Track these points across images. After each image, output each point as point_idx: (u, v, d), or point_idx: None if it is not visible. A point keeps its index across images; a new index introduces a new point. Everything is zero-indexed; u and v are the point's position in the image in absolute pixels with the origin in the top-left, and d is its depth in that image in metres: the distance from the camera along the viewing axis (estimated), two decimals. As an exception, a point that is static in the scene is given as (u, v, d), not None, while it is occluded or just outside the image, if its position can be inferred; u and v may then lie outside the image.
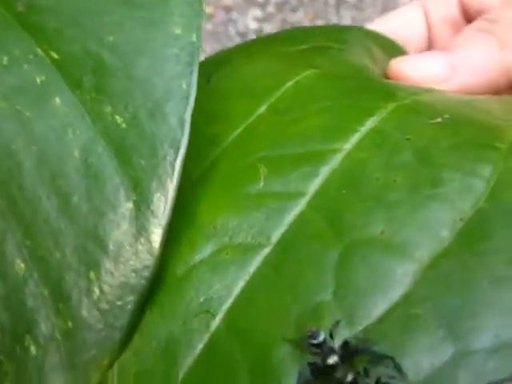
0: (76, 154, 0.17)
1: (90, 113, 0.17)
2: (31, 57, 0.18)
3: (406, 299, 0.15)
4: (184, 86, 0.17)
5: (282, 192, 0.18)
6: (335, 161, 0.18)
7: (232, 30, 0.61)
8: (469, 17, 0.29)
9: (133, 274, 0.16)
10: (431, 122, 0.19)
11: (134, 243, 0.16)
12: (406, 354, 0.14)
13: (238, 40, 0.62)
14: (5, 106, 0.17)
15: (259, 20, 0.61)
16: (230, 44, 0.62)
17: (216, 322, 0.16)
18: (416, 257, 0.16)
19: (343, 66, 0.25)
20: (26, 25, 0.19)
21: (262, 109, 0.21)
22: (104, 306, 0.15)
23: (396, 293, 0.15)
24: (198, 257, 0.18)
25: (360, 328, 0.15)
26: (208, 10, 0.62)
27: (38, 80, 0.18)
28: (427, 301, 0.15)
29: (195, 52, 0.18)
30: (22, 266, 0.16)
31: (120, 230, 0.16)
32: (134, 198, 0.16)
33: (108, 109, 0.17)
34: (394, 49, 0.29)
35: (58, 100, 0.17)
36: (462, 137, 0.19)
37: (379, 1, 0.61)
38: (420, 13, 0.30)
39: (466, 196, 0.16)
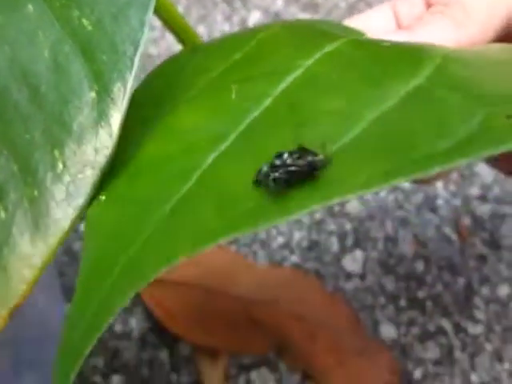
0: (46, 53, 0.18)
1: (59, 18, 0.19)
2: (7, -29, 0.20)
3: (354, 140, 0.18)
4: (145, -6, 0.19)
5: (250, 97, 0.21)
6: (297, 73, 0.22)
7: (217, -5, 0.62)
8: None
9: (93, 153, 0.17)
10: (382, 44, 0.23)
11: (95, 126, 0.18)
12: (354, 172, 0.16)
13: (223, 6, 0.63)
14: (-19, 12, 0.19)
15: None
16: (215, 10, 0.63)
17: (188, 185, 0.19)
18: (363, 114, 0.19)
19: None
20: None
21: (238, 55, 0.24)
22: (67, 178, 0.17)
23: (346, 138, 0.18)
24: (175, 146, 0.20)
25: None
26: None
27: (11, -11, 0.20)
28: (377, 136, 0.18)
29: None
30: (-6, 142, 0.17)
31: (83, 115, 0.18)
32: (97, 88, 0.18)
33: (75, 13, 0.19)
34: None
35: (30, 7, 0.19)
36: (407, 48, 0.22)
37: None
38: (390, 12, 0.32)
39: (410, 79, 0.20)
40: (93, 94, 0.18)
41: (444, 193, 0.56)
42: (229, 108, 0.21)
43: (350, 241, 0.52)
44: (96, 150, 0.17)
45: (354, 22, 0.31)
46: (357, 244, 0.52)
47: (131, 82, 0.18)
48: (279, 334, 0.45)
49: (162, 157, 0.20)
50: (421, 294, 0.50)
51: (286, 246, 0.51)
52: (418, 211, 0.55)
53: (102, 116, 0.18)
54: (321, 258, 0.51)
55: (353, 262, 0.52)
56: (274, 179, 0.16)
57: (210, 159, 0.19)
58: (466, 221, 0.54)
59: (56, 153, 0.17)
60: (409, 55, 0.21)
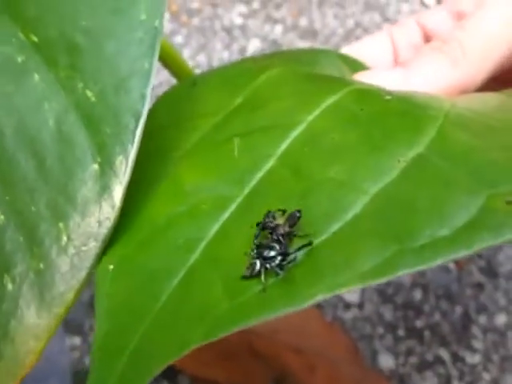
0: (51, 123, 0.19)
1: (65, 88, 0.20)
2: (13, 40, 0.21)
3: (357, 219, 0.18)
4: (146, 65, 0.20)
5: (253, 156, 0.21)
6: (299, 129, 0.22)
7: (218, 25, 0.63)
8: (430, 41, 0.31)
9: (97, 225, 0.18)
10: (383, 98, 0.23)
11: (98, 199, 0.18)
12: (357, 254, 0.17)
13: (223, 34, 0.64)
14: (-11, 82, 0.20)
15: (244, 16, 0.64)
16: (215, 38, 0.64)
17: (195, 255, 0.19)
18: (365, 189, 0.19)
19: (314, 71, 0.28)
20: (8, 10, 0.22)
21: (239, 100, 0.25)
22: (71, 250, 0.18)
23: (348, 215, 0.18)
24: (179, 209, 0.21)
25: (321, 239, 0.18)
26: (196, 5, 0.64)
27: (19, 59, 0.20)
28: (376, 217, 0.18)
29: (157, 36, 0.20)
30: (2, 217, 0.18)
31: (87, 188, 0.18)
32: (99, 161, 0.19)
33: (80, 84, 0.19)
34: (361, 68, 0.32)
35: (36, 77, 0.20)
36: (409, 106, 0.22)
37: (363, -1, 0.63)
38: (387, 39, 0.33)
39: (409, 145, 0.20)
40: (96, 167, 0.19)
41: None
42: (231, 167, 0.21)
43: (348, 270, 0.53)
44: (99, 223, 0.18)
45: (352, 50, 0.32)
46: (355, 273, 0.53)
47: (133, 155, 0.19)
48: (279, 365, 0.45)
49: (167, 222, 0.20)
50: (419, 323, 0.51)
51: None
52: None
53: (104, 189, 0.18)
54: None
55: (351, 291, 0.52)
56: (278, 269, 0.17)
57: (214, 228, 0.19)
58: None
59: (61, 225, 0.18)
60: (410, 116, 0.21)
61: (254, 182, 0.21)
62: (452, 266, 0.54)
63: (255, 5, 0.64)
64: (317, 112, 0.22)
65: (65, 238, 0.18)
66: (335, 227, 0.18)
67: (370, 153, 0.20)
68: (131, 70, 0.20)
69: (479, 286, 0.53)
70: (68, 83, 0.19)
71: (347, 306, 0.51)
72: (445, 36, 0.27)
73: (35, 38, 0.21)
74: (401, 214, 0.18)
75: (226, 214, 0.20)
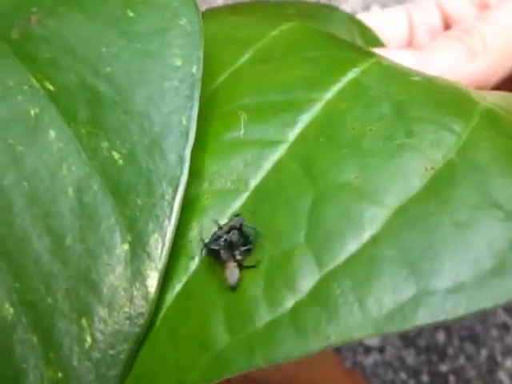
0: (70, 191, 0.16)
1: (86, 148, 0.16)
2: (25, 88, 0.18)
3: (374, 241, 0.16)
4: (184, 121, 0.17)
5: (261, 139, 0.18)
6: (315, 109, 0.19)
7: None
8: (449, 27, 0.30)
9: (127, 322, 0.15)
10: (411, 79, 0.20)
11: (128, 288, 0.15)
12: (370, 293, 0.15)
13: (221, 2, 0.60)
14: (-4, 140, 0.17)
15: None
16: (215, 4, 0.60)
17: (195, 263, 0.17)
18: (386, 202, 0.16)
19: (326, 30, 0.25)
20: (20, 53, 0.19)
21: (246, 57, 0.21)
22: (96, 355, 0.14)
23: (365, 235, 0.16)
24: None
25: (329, 268, 0.15)
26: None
27: (32, 112, 0.17)
28: (393, 243, 0.15)
29: (196, 84, 0.17)
30: (11, 310, 0.15)
31: (114, 274, 0.15)
32: (130, 240, 0.15)
33: (104, 144, 0.16)
34: (375, 42, 0.29)
35: (52, 133, 0.17)
36: (438, 96, 0.19)
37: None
38: (404, 17, 0.31)
39: (438, 147, 0.17)
40: (125, 247, 0.15)
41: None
42: (234, 155, 0.18)
43: (368, 310, 0.50)
44: (130, 319, 0.15)
45: (367, 19, 0.29)
46: (375, 314, 0.50)
47: (170, 233, 0.16)
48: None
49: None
50: (443, 367, 0.48)
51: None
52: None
53: (136, 276, 0.15)
54: (338, 330, 0.49)
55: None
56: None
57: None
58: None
59: (83, 322, 0.15)
60: (440, 108, 0.18)
61: (260, 176, 0.18)
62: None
63: None
64: (336, 88, 0.19)
65: (88, 339, 0.15)
66: (349, 251, 0.16)
67: (394, 153, 0.17)
68: (166, 127, 0.16)
69: (505, 327, 0.50)
70: (90, 142, 0.16)
71: (367, 350, 0.48)
72: (465, 25, 0.26)
73: (51, 86, 0.17)
74: (424, 242, 0.15)
75: (229, 214, 0.17)
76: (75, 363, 0.14)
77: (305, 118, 0.19)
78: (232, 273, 0.16)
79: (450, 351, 0.49)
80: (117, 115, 0.17)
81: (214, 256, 0.17)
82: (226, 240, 0.16)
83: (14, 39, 0.19)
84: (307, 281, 0.15)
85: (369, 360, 0.48)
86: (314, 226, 0.16)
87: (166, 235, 0.16)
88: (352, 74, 0.20)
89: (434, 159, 0.17)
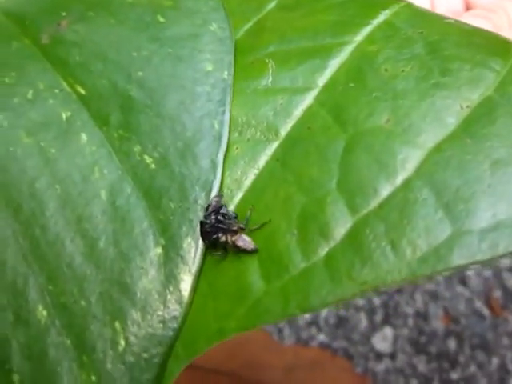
0: (103, 195, 0.16)
1: (118, 151, 0.16)
2: (57, 91, 0.18)
3: (407, 184, 0.15)
4: (216, 125, 0.17)
5: (289, 87, 0.18)
6: (345, 53, 0.18)
7: None
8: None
9: (160, 325, 0.15)
10: (444, 21, 0.19)
11: (162, 291, 0.15)
12: (403, 236, 0.15)
13: None
14: (29, 143, 0.17)
15: None
16: None
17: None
18: (419, 143, 0.16)
19: None
20: (50, 57, 0.19)
21: (272, 4, 0.21)
22: (130, 358, 0.14)
23: (398, 178, 0.16)
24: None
25: (361, 214, 0.15)
26: None
27: (64, 116, 0.17)
28: (427, 184, 0.15)
29: (227, 89, 0.17)
30: (44, 312, 0.15)
31: (148, 277, 0.15)
32: (163, 243, 0.15)
33: (137, 148, 0.16)
34: None
35: (84, 137, 0.17)
36: (473, 37, 0.19)
37: None
38: (426, 0, 0.31)
39: (475, 85, 0.17)
40: (159, 251, 0.15)
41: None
42: (262, 102, 0.18)
43: (379, 317, 0.50)
44: (163, 323, 0.15)
45: None
46: (386, 320, 0.50)
47: (203, 237, 0.16)
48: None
49: None
50: (454, 375, 0.48)
51: (314, 322, 0.48)
52: (448, 283, 0.52)
53: (169, 279, 0.15)
54: (349, 336, 0.49)
55: (383, 340, 0.49)
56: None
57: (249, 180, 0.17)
58: (498, 293, 0.52)
59: (117, 325, 0.15)
60: (476, 47, 0.18)
61: (290, 124, 0.17)
62: (486, 311, 0.51)
63: None
64: (367, 30, 0.19)
65: (122, 342, 0.15)
66: (382, 195, 0.15)
67: (427, 93, 0.17)
68: (198, 131, 0.16)
69: (516, 336, 0.50)
70: (122, 146, 0.16)
71: (379, 356, 0.48)
72: (490, 4, 0.25)
73: (82, 90, 0.18)
74: (459, 182, 0.15)
75: (261, 163, 0.17)
76: (109, 366, 0.14)
77: (334, 63, 0.18)
78: (243, 241, 0.16)
79: (462, 359, 0.48)
80: (149, 119, 0.17)
81: (217, 244, 0.17)
82: (214, 225, 0.16)
83: (44, 44, 0.19)
84: (340, 227, 0.15)
85: (380, 367, 0.48)
86: (345, 172, 0.16)
87: (199, 239, 0.16)
88: (382, 16, 0.19)
89: (470, 97, 0.16)
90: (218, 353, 0.42)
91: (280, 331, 0.48)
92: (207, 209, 0.16)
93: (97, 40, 0.19)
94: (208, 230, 0.16)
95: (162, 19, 0.19)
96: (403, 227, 0.15)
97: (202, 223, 0.16)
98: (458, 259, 0.14)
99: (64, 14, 0.20)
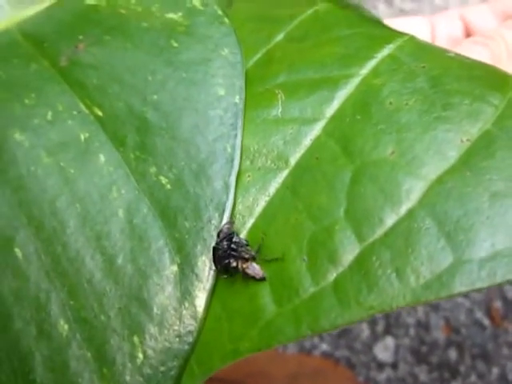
0: (120, 213, 0.17)
1: (135, 172, 0.17)
2: (75, 113, 0.18)
3: (411, 214, 0.16)
4: (228, 148, 0.17)
5: (298, 117, 0.19)
6: (351, 85, 0.19)
7: None
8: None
9: (177, 339, 0.16)
10: (446, 54, 0.20)
11: (178, 307, 0.16)
12: (408, 264, 0.15)
13: None
14: (49, 162, 0.18)
15: None
16: None
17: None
18: (422, 174, 0.17)
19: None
20: (68, 80, 0.19)
21: (281, 36, 0.22)
22: (147, 371, 0.15)
23: (402, 208, 0.16)
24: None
25: (368, 242, 0.16)
26: None
27: (82, 137, 0.18)
28: (430, 215, 0.16)
29: (239, 114, 0.18)
30: (66, 326, 0.15)
31: (164, 294, 0.16)
32: (179, 261, 0.16)
33: (152, 169, 0.17)
34: None
35: (102, 158, 0.17)
36: (473, 70, 0.19)
37: None
38: (427, 25, 0.31)
39: (474, 119, 0.17)
40: (174, 268, 0.16)
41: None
42: (273, 131, 0.19)
43: (380, 327, 0.50)
44: (179, 337, 0.16)
45: (394, 24, 0.30)
46: (388, 330, 0.50)
47: (217, 256, 0.16)
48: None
49: None
50: (455, 385, 0.48)
51: (316, 332, 0.49)
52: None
53: (185, 295, 0.16)
54: (351, 345, 0.49)
55: (384, 349, 0.49)
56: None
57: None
58: (498, 304, 0.52)
59: (135, 339, 0.15)
60: (477, 81, 0.18)
61: (299, 153, 0.18)
62: (487, 322, 0.52)
63: None
64: (372, 64, 0.19)
65: (140, 356, 0.15)
66: (387, 224, 0.16)
67: (430, 126, 0.17)
68: (211, 154, 0.17)
69: (516, 346, 0.50)
70: (138, 167, 0.17)
71: (380, 365, 0.48)
72: (489, 32, 0.26)
73: (99, 112, 0.18)
74: (460, 213, 0.16)
75: (271, 190, 0.18)
76: (128, 378, 0.15)
77: (341, 95, 0.19)
78: (253, 269, 0.17)
79: (462, 369, 0.49)
80: (164, 141, 0.17)
81: (228, 269, 0.17)
82: (226, 251, 0.17)
83: (63, 66, 0.20)
84: (348, 254, 0.16)
85: (382, 376, 0.48)
86: (352, 201, 0.17)
87: (212, 258, 0.16)
88: (387, 50, 0.20)
89: (470, 131, 0.17)
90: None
91: (283, 340, 0.48)
92: (218, 235, 0.17)
93: (113, 63, 0.19)
94: (221, 255, 0.17)
95: (175, 44, 0.19)
96: (407, 255, 0.16)
97: (214, 249, 0.17)
98: (459, 286, 0.15)
99: (81, 37, 0.21)
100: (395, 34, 0.20)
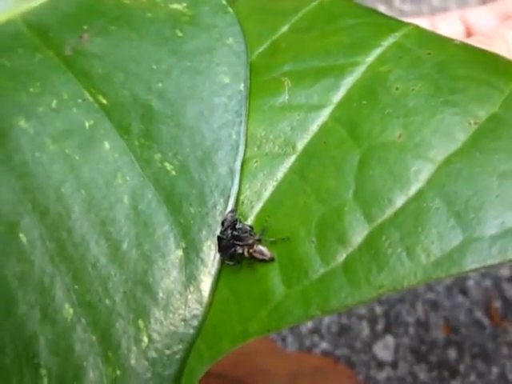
0: (125, 199, 0.17)
1: (139, 159, 0.17)
2: (80, 101, 0.19)
3: (420, 195, 0.16)
4: (233, 135, 0.17)
5: (305, 104, 0.19)
6: (357, 73, 0.19)
7: None
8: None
9: (182, 323, 0.16)
10: (451, 42, 0.20)
11: (183, 292, 0.16)
12: (418, 243, 0.16)
13: None
14: (54, 149, 0.18)
15: None
16: None
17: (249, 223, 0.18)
18: (430, 156, 0.17)
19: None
20: (73, 68, 0.19)
21: (286, 27, 0.22)
22: (153, 354, 0.15)
23: (411, 189, 0.16)
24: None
25: (377, 223, 0.16)
26: None
27: (87, 124, 0.18)
28: (439, 195, 0.16)
29: (243, 101, 0.18)
30: (71, 310, 0.15)
31: (170, 278, 0.16)
32: (184, 246, 0.16)
33: (157, 155, 0.17)
34: None
35: (106, 145, 0.18)
36: (478, 57, 0.19)
37: None
38: (428, 26, 0.31)
39: (481, 102, 0.17)
40: (180, 253, 0.16)
41: (474, 273, 0.55)
42: (280, 118, 0.19)
43: (380, 325, 0.50)
44: (185, 321, 0.16)
45: None
46: (388, 329, 0.50)
47: (222, 241, 0.16)
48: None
49: None
50: (454, 383, 0.48)
51: (316, 330, 0.49)
52: (449, 293, 0.53)
53: (190, 280, 0.16)
54: (351, 344, 0.49)
55: (384, 348, 0.49)
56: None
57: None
58: (497, 303, 0.52)
59: (140, 323, 0.15)
60: (483, 66, 0.19)
61: (306, 139, 0.18)
62: (486, 321, 0.52)
63: None
64: (377, 52, 0.20)
65: (145, 339, 0.15)
66: (396, 205, 0.16)
67: (437, 110, 0.18)
68: (216, 141, 0.17)
69: (516, 345, 0.50)
70: (143, 153, 0.17)
71: (380, 364, 0.48)
72: (490, 31, 0.26)
73: (104, 100, 0.18)
74: (469, 192, 0.16)
75: (279, 175, 0.18)
76: (133, 362, 0.15)
77: (347, 82, 0.19)
78: (260, 251, 0.17)
79: (462, 368, 0.49)
80: (169, 129, 0.18)
81: (234, 257, 0.17)
82: (230, 240, 0.17)
83: (67, 55, 0.20)
84: (357, 235, 0.16)
85: (381, 375, 0.48)
86: (361, 184, 0.17)
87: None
88: (392, 38, 0.20)
89: (477, 114, 0.17)
90: (224, 359, 0.42)
91: (283, 339, 0.48)
92: (223, 224, 0.17)
93: (118, 53, 0.20)
94: (226, 244, 0.17)
95: (180, 34, 0.20)
96: (417, 234, 0.16)
97: (219, 238, 0.17)
98: (470, 263, 0.15)
99: (85, 27, 0.21)
100: (400, 24, 0.21)
